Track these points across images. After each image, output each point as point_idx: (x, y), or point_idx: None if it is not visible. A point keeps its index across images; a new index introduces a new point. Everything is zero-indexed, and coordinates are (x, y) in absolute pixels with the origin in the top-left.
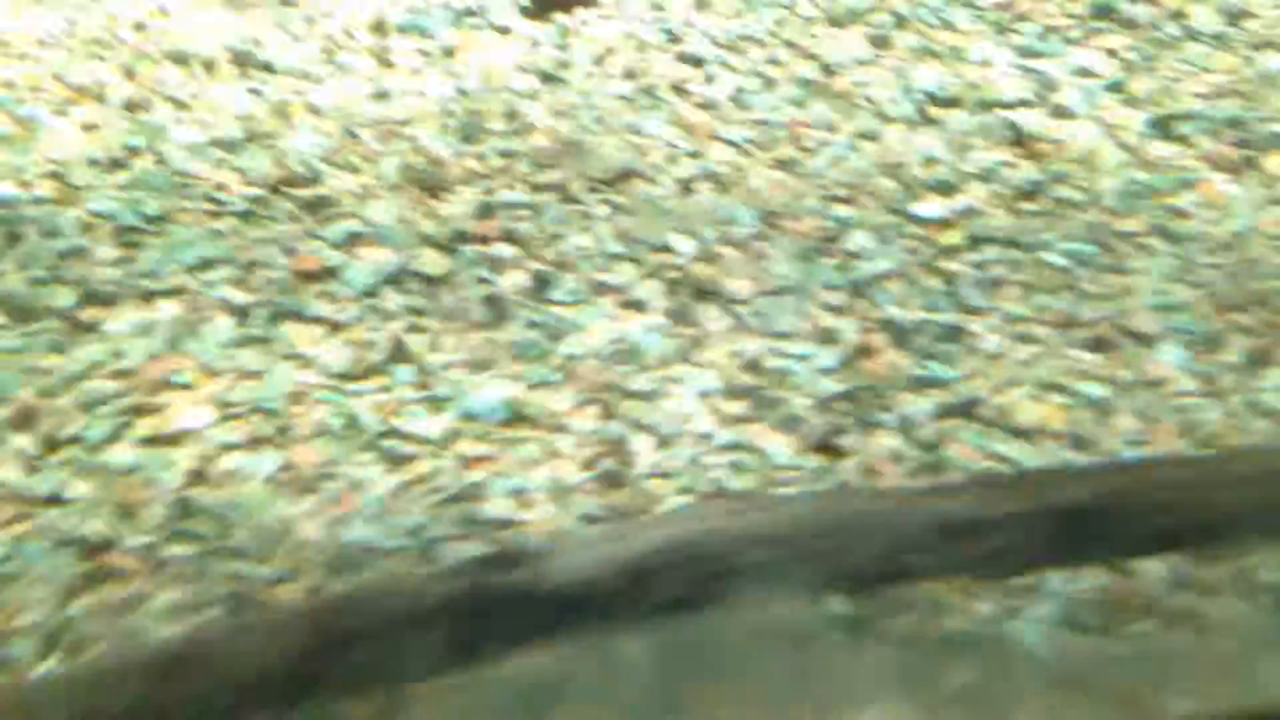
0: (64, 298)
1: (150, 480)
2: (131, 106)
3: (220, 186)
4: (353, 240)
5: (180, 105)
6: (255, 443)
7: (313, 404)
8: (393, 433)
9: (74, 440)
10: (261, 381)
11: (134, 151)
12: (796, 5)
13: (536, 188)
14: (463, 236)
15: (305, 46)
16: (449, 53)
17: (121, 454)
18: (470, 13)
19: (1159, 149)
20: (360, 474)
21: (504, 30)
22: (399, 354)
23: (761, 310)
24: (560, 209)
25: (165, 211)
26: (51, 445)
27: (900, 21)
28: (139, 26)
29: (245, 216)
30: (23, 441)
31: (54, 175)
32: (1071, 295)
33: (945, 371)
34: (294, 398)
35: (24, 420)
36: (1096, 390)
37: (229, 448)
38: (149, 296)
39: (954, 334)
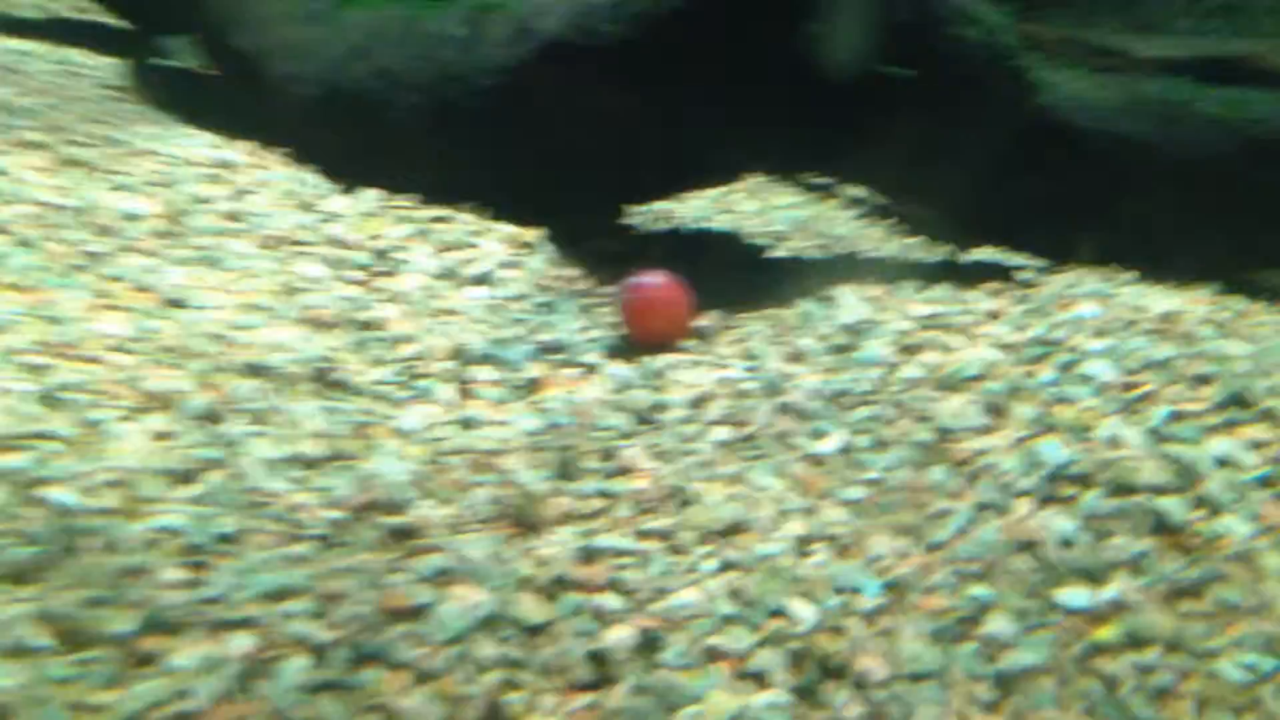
0: (123, 623)
1: None
2: (205, 418)
3: (299, 508)
4: (443, 577)
5: (257, 419)
6: None
7: None
8: None
9: None
10: None
11: (206, 464)
12: (900, 366)
13: (641, 534)
14: (563, 582)
15: (385, 370)
16: (532, 386)
17: None
18: (553, 348)
19: None
20: None
21: (589, 368)
22: (494, 715)
23: (900, 696)
24: (667, 560)
25: (238, 531)
26: None
27: (1015, 391)
28: (216, 337)
29: (326, 542)
30: None
31: (118, 485)
32: (1257, 716)
33: None
34: None
35: None
36: None
37: None
38: (218, 627)
39: None
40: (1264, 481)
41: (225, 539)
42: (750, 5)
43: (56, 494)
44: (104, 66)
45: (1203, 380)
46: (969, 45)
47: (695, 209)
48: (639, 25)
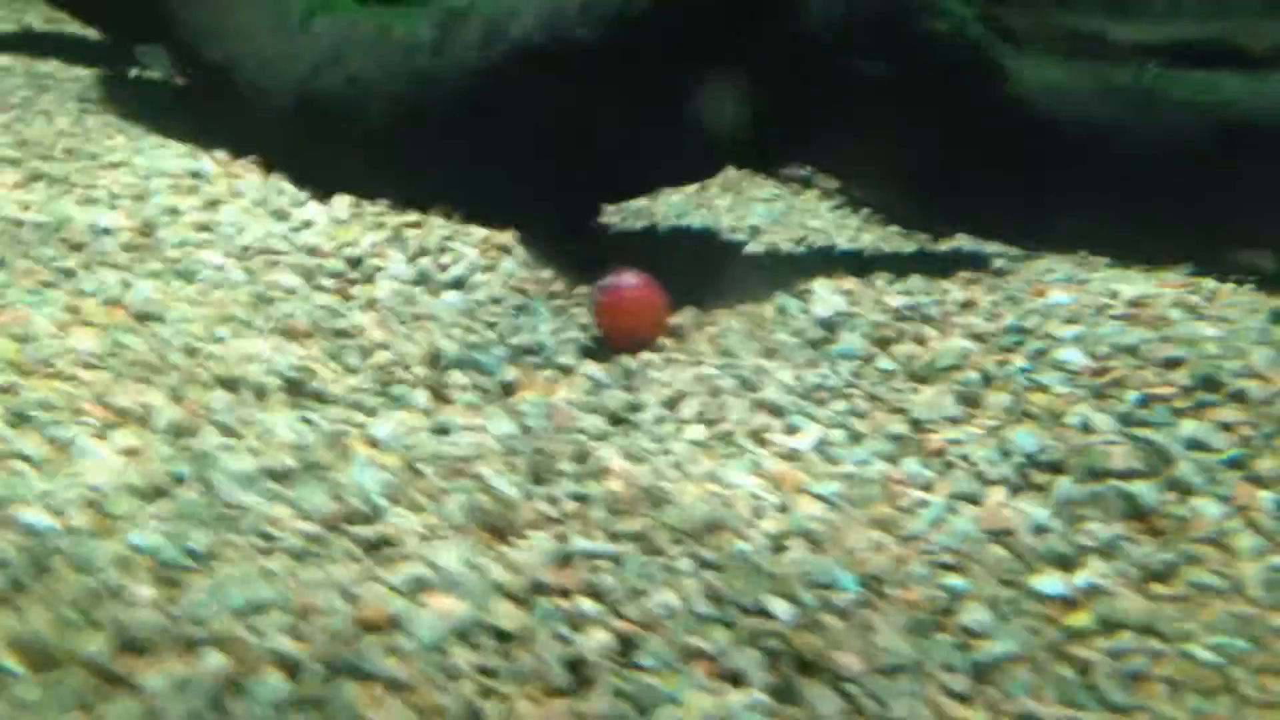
0: (94, 643)
1: None
2: (178, 432)
3: (273, 521)
4: (419, 587)
5: (230, 432)
6: None
7: None
8: None
9: None
10: None
11: (179, 480)
12: (875, 358)
13: (615, 536)
14: (538, 588)
15: (359, 378)
16: (508, 390)
17: None
18: (528, 350)
19: None
20: None
21: (564, 370)
22: None
23: (875, 691)
24: (643, 561)
25: (212, 547)
26: None
27: (988, 380)
28: (189, 351)
29: (300, 555)
30: None
31: (90, 503)
32: (1231, 699)
33: None
34: None
35: None
36: None
37: None
38: (190, 646)
39: None
40: (1234, 463)
41: (198, 555)
42: (716, 4)
43: (26, 515)
44: (76, 79)
45: (1173, 364)
46: (939, 36)
47: (673, 205)
48: (609, 27)
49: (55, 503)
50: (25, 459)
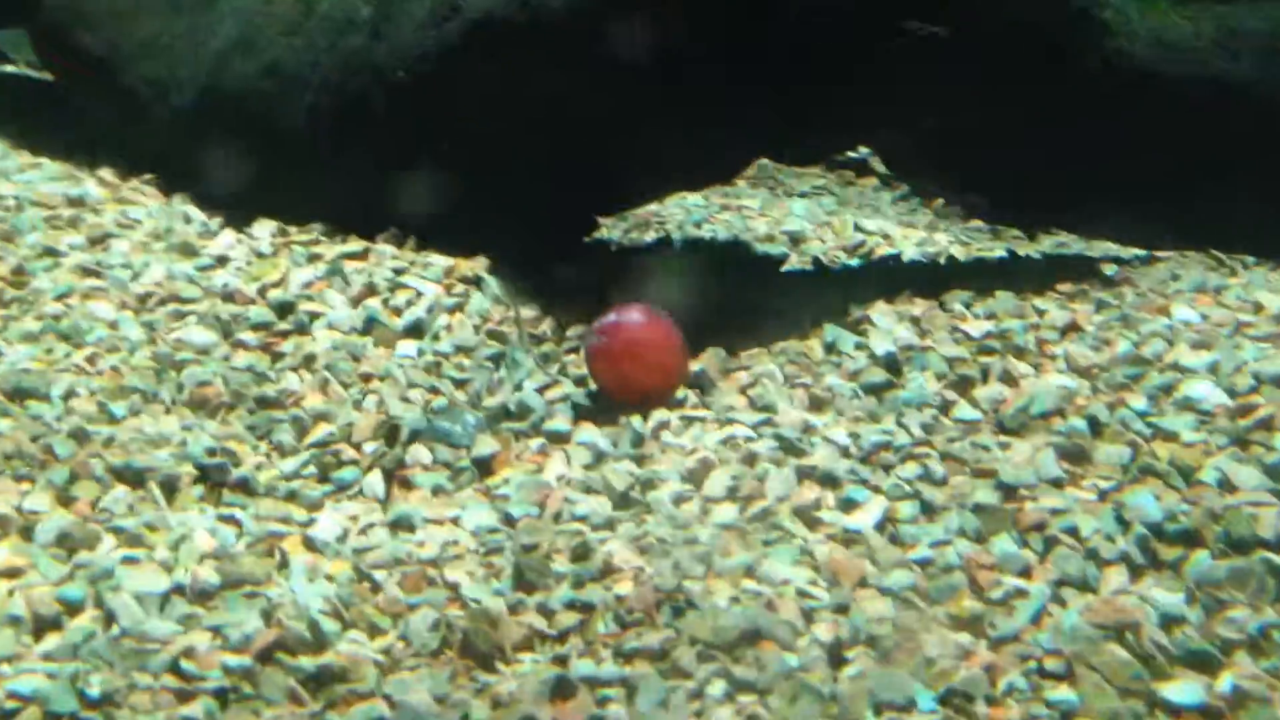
0: None
1: None
2: (67, 544)
3: (189, 654)
4: None
5: (132, 540)
6: None
7: None
8: None
9: None
10: None
11: (70, 607)
12: (952, 405)
13: (626, 656)
14: None
15: (294, 460)
16: (484, 467)
17: None
18: (508, 413)
19: None
20: None
21: (556, 438)
22: None
23: None
24: (661, 687)
25: (113, 691)
26: None
27: (1098, 429)
28: (78, 436)
29: (224, 697)
30: None
31: None
32: None
33: None
34: None
35: None
36: None
37: None
38: None
39: None
40: None
41: (97, 703)
42: None
43: None
44: None
45: None
46: None
47: (691, 206)
48: None
49: None
50: None
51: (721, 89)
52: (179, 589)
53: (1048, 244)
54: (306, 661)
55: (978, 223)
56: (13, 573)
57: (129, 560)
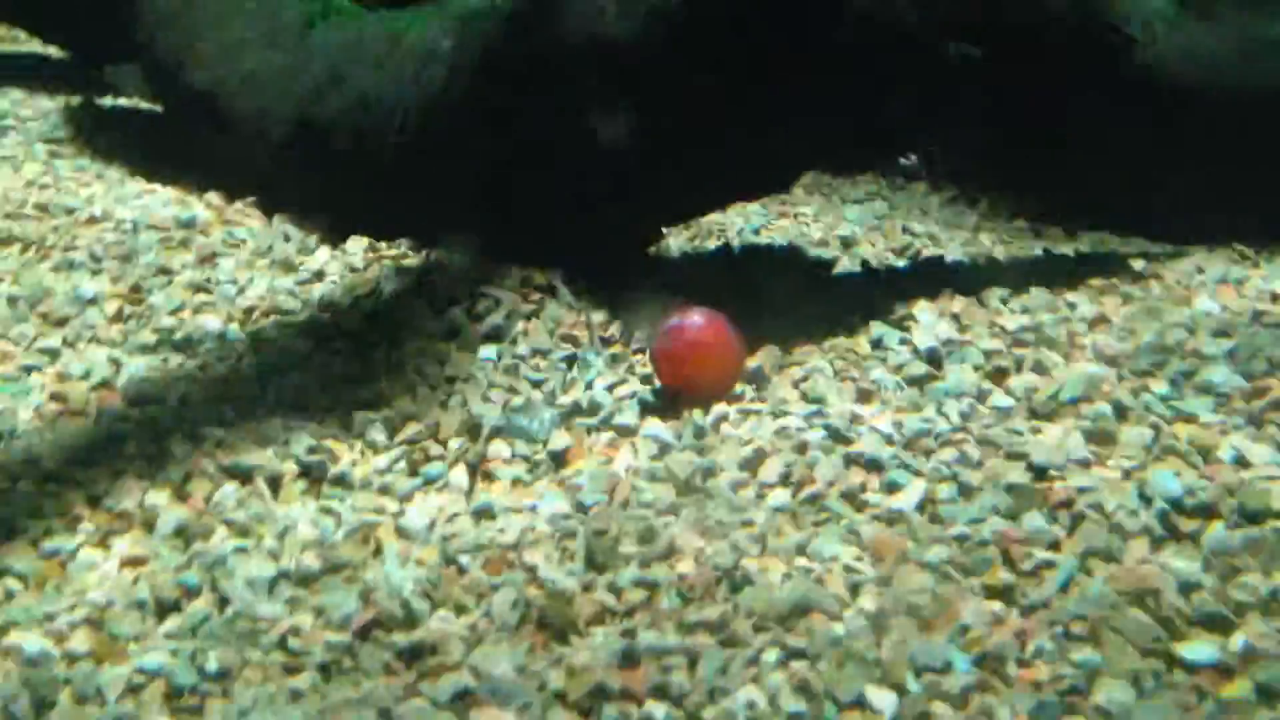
0: None
1: None
2: (184, 534)
3: (295, 632)
4: (464, 700)
5: (242, 531)
6: None
7: None
8: None
9: None
10: None
11: (188, 591)
12: (989, 395)
13: (688, 628)
14: (603, 693)
15: (386, 457)
16: (559, 460)
17: None
18: (580, 410)
19: None
20: None
21: (625, 431)
22: None
23: None
24: (721, 655)
25: (229, 666)
26: None
27: (1123, 413)
28: (192, 438)
29: (327, 670)
30: None
31: (91, 623)
32: None
33: None
34: None
35: None
36: None
37: None
38: None
39: None
40: None
41: (214, 677)
42: None
43: (20, 641)
44: (41, 113)
45: None
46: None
47: (751, 213)
48: (654, 20)
49: (53, 625)
50: (17, 576)
51: (781, 103)
52: (285, 575)
53: (1087, 242)
54: (400, 638)
55: (1021, 223)
56: (137, 561)
57: (240, 550)
